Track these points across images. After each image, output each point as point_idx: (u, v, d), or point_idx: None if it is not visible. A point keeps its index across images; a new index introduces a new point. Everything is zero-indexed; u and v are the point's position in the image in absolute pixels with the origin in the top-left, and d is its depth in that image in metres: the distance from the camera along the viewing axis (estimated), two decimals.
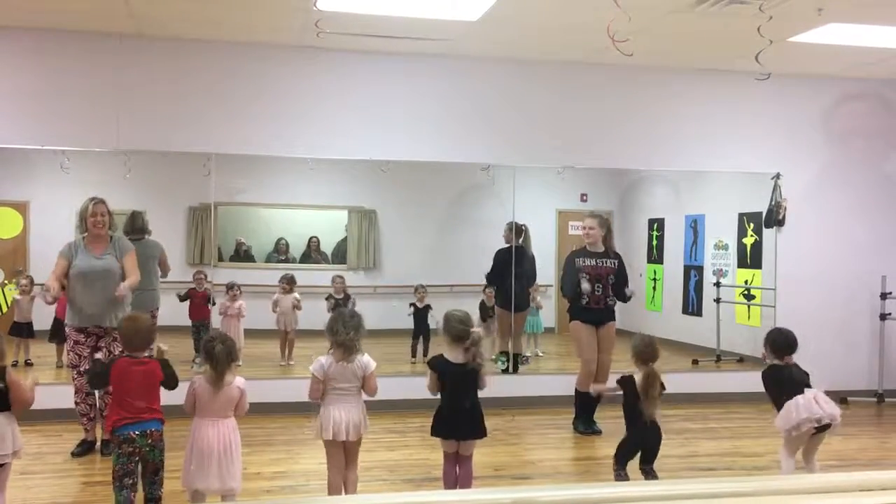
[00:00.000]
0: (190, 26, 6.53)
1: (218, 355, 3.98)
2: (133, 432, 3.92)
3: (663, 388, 4.62)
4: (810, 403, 4.50)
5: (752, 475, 5.39)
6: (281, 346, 8.21)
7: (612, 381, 4.93)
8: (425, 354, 8.30)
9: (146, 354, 4.17)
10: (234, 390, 4.04)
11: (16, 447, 3.92)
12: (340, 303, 8.22)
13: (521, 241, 7.81)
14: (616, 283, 6.39)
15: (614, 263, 6.42)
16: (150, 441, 3.95)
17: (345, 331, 4.16)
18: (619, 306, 6.47)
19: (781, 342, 4.72)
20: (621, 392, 4.64)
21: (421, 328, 8.42)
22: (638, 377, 4.52)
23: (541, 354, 8.91)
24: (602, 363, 6.37)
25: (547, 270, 9.10)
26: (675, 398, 7.22)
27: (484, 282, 8.25)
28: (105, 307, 5.46)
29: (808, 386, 4.63)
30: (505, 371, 7.64)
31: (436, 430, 4.44)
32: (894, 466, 5.61)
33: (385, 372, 7.49)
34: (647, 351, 4.55)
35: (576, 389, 6.46)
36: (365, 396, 4.31)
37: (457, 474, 4.45)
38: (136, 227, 6.72)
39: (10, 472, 4.03)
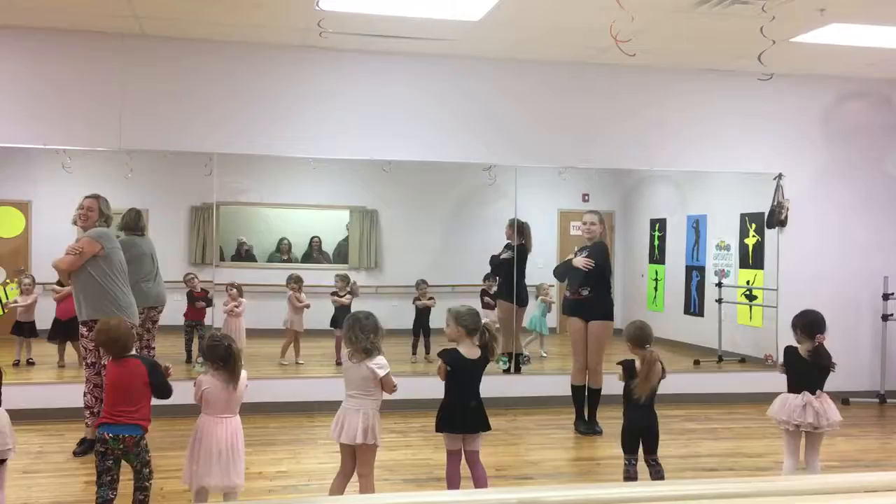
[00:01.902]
0: (192, 26, 6.54)
1: (235, 355, 4.00)
2: (107, 434, 3.94)
3: (664, 372, 4.61)
4: (796, 409, 4.58)
5: (755, 476, 5.39)
6: (293, 347, 8.20)
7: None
8: (427, 352, 8.32)
9: (131, 354, 4.15)
10: (241, 387, 4.06)
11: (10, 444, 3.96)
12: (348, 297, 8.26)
13: (522, 239, 7.81)
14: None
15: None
16: (121, 446, 3.94)
17: (364, 336, 4.16)
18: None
19: (810, 322, 4.74)
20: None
21: (421, 324, 8.43)
22: (638, 361, 4.52)
23: (544, 355, 8.92)
24: (590, 362, 6.38)
25: (548, 270, 9.09)
26: (676, 398, 7.24)
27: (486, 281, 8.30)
28: (79, 301, 5.46)
29: (827, 370, 4.68)
30: (507, 371, 7.64)
31: (442, 426, 4.41)
32: None
33: None
34: (639, 335, 4.55)
35: (571, 385, 6.50)
36: (385, 395, 4.28)
37: (467, 474, 4.44)
38: (129, 224, 6.64)
39: (8, 471, 4.05)
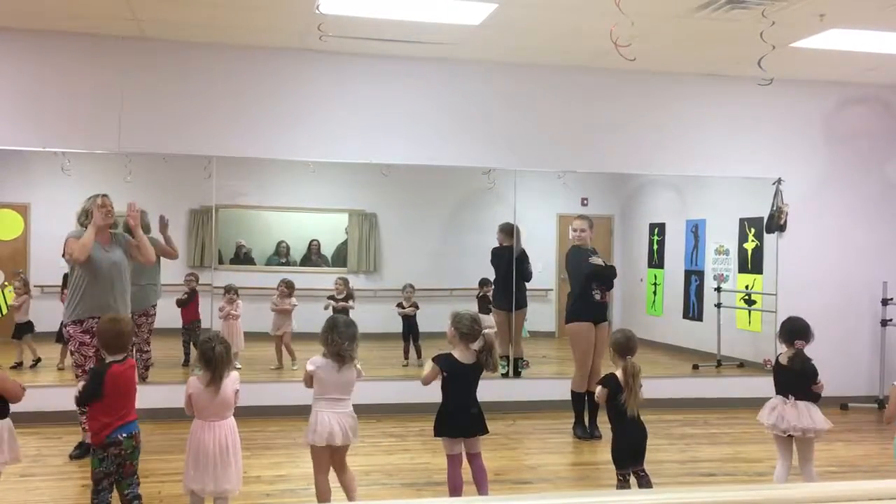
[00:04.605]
0: (192, 29, 6.53)
1: (217, 357, 3.95)
2: (121, 435, 3.88)
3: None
4: (766, 411, 4.66)
5: (754, 481, 5.39)
6: (286, 350, 8.17)
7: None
8: (419, 356, 8.31)
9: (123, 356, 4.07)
10: (228, 391, 4.02)
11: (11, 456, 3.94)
12: (339, 302, 8.25)
13: (514, 241, 7.79)
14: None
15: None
16: (133, 443, 3.93)
17: (340, 340, 4.18)
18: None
19: (790, 329, 4.74)
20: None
21: (410, 329, 8.42)
22: (619, 372, 4.45)
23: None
24: (595, 367, 6.38)
25: (547, 274, 9.09)
26: (675, 403, 7.25)
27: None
28: (113, 300, 5.43)
29: (809, 380, 4.64)
30: (505, 375, 7.63)
31: (441, 431, 4.41)
32: None
33: (384, 375, 7.54)
34: (627, 344, 4.53)
35: (572, 392, 6.49)
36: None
37: (467, 477, 4.45)
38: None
39: (4, 474, 4.03)
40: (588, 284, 6.40)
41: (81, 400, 4.04)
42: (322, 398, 4.21)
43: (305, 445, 4.26)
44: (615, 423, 4.52)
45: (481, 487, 4.45)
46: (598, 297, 6.41)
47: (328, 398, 4.20)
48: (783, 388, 4.69)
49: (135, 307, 6.48)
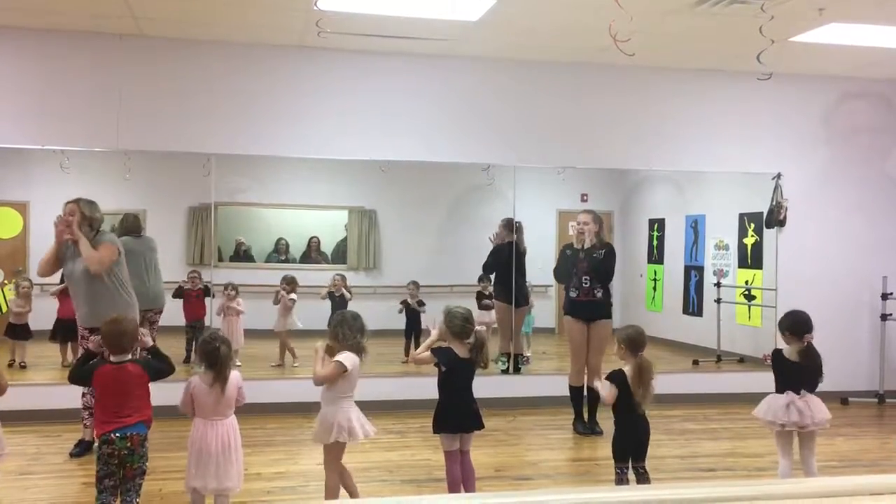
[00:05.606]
0: (190, 26, 6.52)
1: (222, 358, 3.95)
2: (113, 434, 3.84)
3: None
4: (780, 409, 4.58)
5: (753, 476, 5.39)
6: (287, 348, 8.18)
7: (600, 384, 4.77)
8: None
9: (128, 358, 4.03)
10: (231, 389, 4.01)
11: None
12: (337, 300, 8.25)
13: (515, 237, 7.78)
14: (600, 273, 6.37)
15: (600, 254, 6.37)
16: (129, 444, 3.85)
17: (351, 333, 4.21)
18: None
19: (798, 322, 4.72)
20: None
21: (413, 325, 8.42)
22: (628, 369, 4.43)
23: (528, 354, 8.84)
24: (591, 364, 6.35)
25: (547, 271, 9.08)
26: (675, 398, 7.24)
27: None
28: (86, 309, 5.34)
29: (818, 373, 4.65)
30: (505, 371, 7.63)
31: (441, 427, 4.41)
32: None
33: (385, 372, 7.53)
34: (639, 340, 4.50)
35: (569, 385, 6.50)
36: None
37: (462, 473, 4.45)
38: (131, 227, 6.69)
39: (3, 473, 4.04)
40: (567, 282, 6.44)
41: (70, 378, 4.11)
42: (339, 394, 4.20)
43: (334, 439, 4.20)
44: (621, 417, 4.50)
45: (468, 485, 4.45)
46: (573, 294, 6.39)
47: (344, 395, 4.22)
48: (793, 384, 4.63)
49: (153, 305, 6.64)
